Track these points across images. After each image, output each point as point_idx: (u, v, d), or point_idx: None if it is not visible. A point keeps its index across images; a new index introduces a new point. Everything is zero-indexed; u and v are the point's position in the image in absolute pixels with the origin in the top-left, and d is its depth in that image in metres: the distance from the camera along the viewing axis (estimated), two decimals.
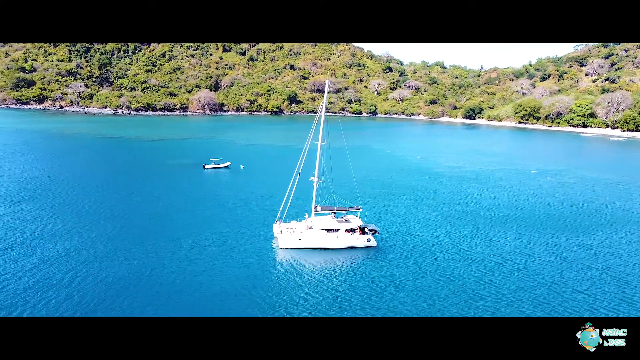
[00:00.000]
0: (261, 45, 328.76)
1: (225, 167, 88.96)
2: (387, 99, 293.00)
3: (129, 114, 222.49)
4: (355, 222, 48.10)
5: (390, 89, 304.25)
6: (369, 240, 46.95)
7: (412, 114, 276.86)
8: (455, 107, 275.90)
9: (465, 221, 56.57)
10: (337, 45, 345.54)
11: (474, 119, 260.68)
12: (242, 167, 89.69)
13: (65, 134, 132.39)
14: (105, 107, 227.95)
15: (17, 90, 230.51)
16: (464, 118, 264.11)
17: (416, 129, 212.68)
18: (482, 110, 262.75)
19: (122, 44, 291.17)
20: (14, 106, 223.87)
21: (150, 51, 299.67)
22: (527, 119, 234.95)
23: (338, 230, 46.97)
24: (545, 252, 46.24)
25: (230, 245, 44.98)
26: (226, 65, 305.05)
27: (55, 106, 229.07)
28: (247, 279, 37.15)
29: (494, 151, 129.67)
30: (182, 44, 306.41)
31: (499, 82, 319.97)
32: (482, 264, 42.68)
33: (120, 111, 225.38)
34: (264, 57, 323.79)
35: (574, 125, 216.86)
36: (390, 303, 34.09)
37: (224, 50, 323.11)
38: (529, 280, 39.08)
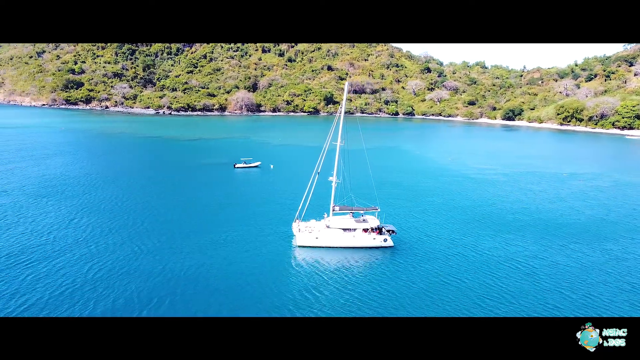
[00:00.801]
0: (300, 46, 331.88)
1: (255, 166, 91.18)
2: (425, 100, 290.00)
3: (170, 114, 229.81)
4: (373, 222, 48.89)
5: (428, 89, 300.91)
6: (385, 240, 47.64)
7: (449, 115, 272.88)
8: (494, 108, 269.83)
9: (485, 224, 56.37)
10: (375, 46, 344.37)
11: (513, 120, 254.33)
12: (271, 166, 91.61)
13: (107, 133, 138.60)
14: (148, 108, 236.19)
15: (66, 91, 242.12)
16: (503, 119, 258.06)
17: (452, 130, 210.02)
18: (522, 111, 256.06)
19: (166, 46, 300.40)
20: (63, 106, 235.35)
21: (192, 53, 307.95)
22: (569, 121, 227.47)
23: (355, 230, 47.92)
24: (564, 256, 45.71)
25: (248, 242, 46.70)
26: (265, 66, 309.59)
27: (101, 106, 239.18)
28: (261, 275, 38.69)
29: (528, 153, 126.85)
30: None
31: (542, 82, 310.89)
32: (495, 266, 42.73)
33: (161, 111, 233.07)
34: (302, 58, 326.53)
35: (619, 128, 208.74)
36: (393, 303, 34.82)
37: (263, 51, 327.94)
38: (539, 284, 38.97)
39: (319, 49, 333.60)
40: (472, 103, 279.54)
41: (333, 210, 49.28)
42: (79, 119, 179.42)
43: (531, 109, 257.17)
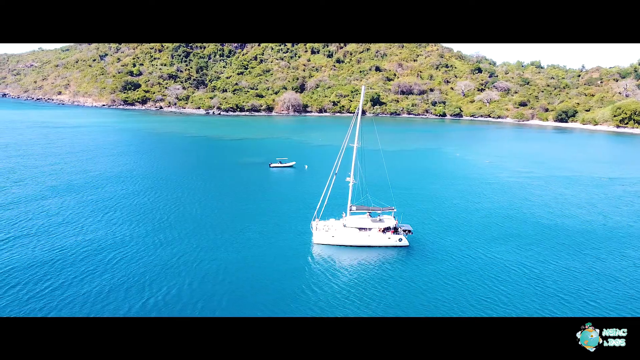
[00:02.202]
0: (348, 47, 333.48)
1: (290, 166, 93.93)
2: (474, 101, 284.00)
3: (219, 114, 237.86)
4: (389, 221, 50.29)
5: (478, 90, 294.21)
6: (400, 239, 48.90)
7: (499, 117, 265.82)
8: (546, 110, 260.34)
9: (505, 228, 56.44)
10: (425, 46, 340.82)
11: (566, 122, 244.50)
12: (306, 167, 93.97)
13: (156, 132, 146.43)
14: (199, 108, 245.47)
15: (124, 92, 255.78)
16: (555, 121, 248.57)
17: (499, 132, 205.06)
18: (576, 113, 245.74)
19: (219, 48, 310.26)
20: (121, 107, 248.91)
21: (243, 55, 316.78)
22: (627, 123, 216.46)
23: (371, 229, 49.43)
24: (577, 262, 45.39)
25: (268, 238, 49.37)
26: (313, 67, 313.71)
27: (155, 107, 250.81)
28: (275, 270, 40.98)
29: (575, 157, 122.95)
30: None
31: (601, 82, 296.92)
32: (504, 270, 43.21)
33: (211, 112, 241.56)
34: (350, 59, 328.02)
35: None
36: (397, 302, 36.00)
37: (312, 52, 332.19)
38: (544, 287, 39.22)
39: (368, 49, 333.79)
40: (523, 104, 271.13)
41: (350, 210, 51.03)
42: (133, 119, 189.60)
43: (586, 111, 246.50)
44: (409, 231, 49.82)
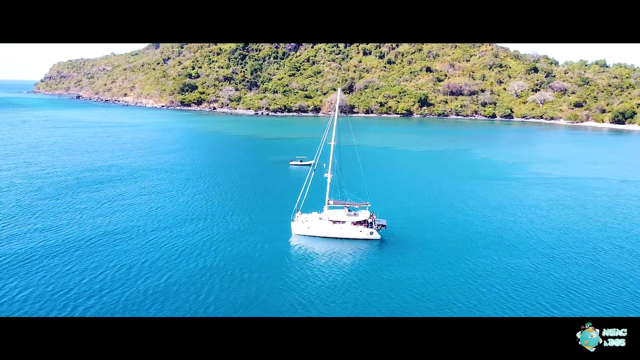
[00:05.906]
0: (401, 48, 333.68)
1: (309, 164, 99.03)
2: (526, 102, 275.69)
3: (267, 114, 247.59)
4: (364, 216, 54.70)
5: (533, 91, 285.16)
6: (372, 233, 53.16)
7: (551, 118, 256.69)
8: (603, 111, 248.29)
9: (482, 228, 58.28)
10: (479, 46, 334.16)
11: (623, 124, 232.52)
12: (324, 165, 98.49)
13: (202, 132, 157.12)
14: (249, 109, 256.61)
15: (182, 94, 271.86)
16: (611, 123, 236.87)
17: (545, 134, 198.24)
18: (635, 114, 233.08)
19: (273, 50, 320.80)
20: (178, 108, 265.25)
21: (296, 57, 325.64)
22: None
23: (344, 222, 54.06)
24: (547, 260, 47.60)
25: (253, 227, 55.33)
26: (364, 68, 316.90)
27: (209, 108, 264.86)
28: (255, 254, 46.58)
29: (608, 159, 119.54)
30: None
31: None
32: (456, 268, 45.61)
33: (260, 112, 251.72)
34: (402, 60, 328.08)
35: None
36: (365, 296, 38.92)
37: (364, 54, 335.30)
38: (495, 287, 41.88)
39: (420, 50, 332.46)
40: (579, 105, 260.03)
41: (328, 204, 55.93)
42: (185, 119, 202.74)
43: None
44: (383, 225, 53.86)
